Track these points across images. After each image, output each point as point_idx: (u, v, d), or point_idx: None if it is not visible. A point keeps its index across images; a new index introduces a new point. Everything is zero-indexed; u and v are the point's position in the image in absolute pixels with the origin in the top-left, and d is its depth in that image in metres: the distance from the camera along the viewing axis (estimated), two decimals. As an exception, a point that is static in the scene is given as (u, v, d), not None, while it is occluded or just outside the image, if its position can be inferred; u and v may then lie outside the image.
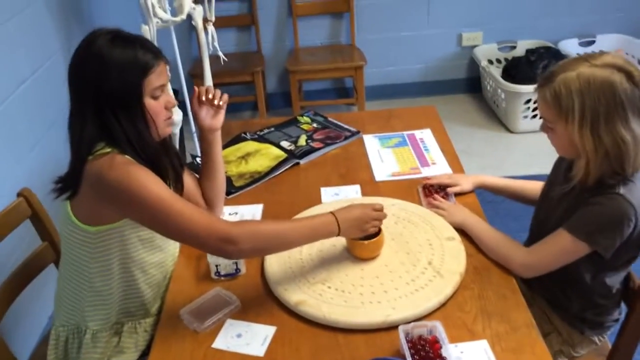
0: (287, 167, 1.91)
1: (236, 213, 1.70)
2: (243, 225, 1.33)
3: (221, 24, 3.31)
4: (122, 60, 1.28)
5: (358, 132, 2.09)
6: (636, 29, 3.91)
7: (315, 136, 2.08)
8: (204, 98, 1.55)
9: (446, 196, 1.67)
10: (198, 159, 1.92)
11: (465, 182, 1.70)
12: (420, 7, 3.90)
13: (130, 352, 1.45)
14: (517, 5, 3.89)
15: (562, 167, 1.47)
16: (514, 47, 3.99)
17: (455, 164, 1.87)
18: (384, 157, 1.94)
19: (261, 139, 2.09)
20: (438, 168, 1.85)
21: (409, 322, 1.23)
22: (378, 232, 1.43)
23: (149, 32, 2.44)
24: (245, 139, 2.10)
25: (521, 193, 1.70)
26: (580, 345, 1.50)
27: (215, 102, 1.55)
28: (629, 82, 1.24)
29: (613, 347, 1.49)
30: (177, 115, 2.62)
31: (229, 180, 1.83)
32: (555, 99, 1.29)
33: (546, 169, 1.58)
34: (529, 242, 1.49)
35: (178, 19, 2.55)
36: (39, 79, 2.55)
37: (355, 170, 1.88)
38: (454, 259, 1.42)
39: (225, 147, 2.04)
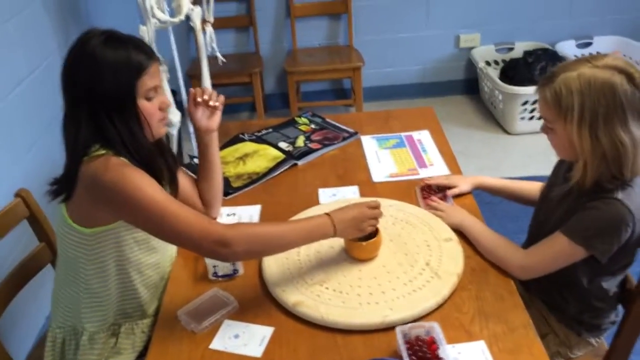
0: (285, 168, 1.91)
1: (234, 214, 1.70)
2: (238, 227, 1.32)
3: (219, 25, 3.31)
4: (115, 61, 1.27)
5: (356, 133, 2.09)
6: (633, 31, 3.92)
7: (313, 137, 2.08)
8: (199, 99, 1.54)
9: (444, 197, 1.67)
10: (196, 160, 1.92)
11: (463, 183, 1.70)
12: (418, 9, 3.90)
13: (128, 353, 1.45)
14: (515, 7, 3.90)
15: (562, 170, 1.47)
16: (511, 49, 4.00)
17: (453, 165, 1.87)
18: (382, 158, 1.94)
19: (259, 140, 2.09)
20: (436, 169, 1.85)
21: (407, 323, 1.23)
22: (376, 233, 1.43)
23: (147, 32, 2.44)
24: (243, 140, 2.10)
25: (519, 194, 1.71)
26: (577, 347, 1.51)
27: (211, 103, 1.55)
28: (630, 84, 1.24)
29: (610, 349, 1.49)
30: (175, 116, 2.62)
31: (226, 181, 1.83)
32: (556, 98, 1.29)
33: (543, 170, 1.58)
34: (528, 243, 1.49)
35: (176, 19, 2.55)
36: (36, 80, 2.55)
37: (353, 171, 1.89)
38: (452, 260, 1.42)
39: (223, 147, 2.04)
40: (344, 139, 2.07)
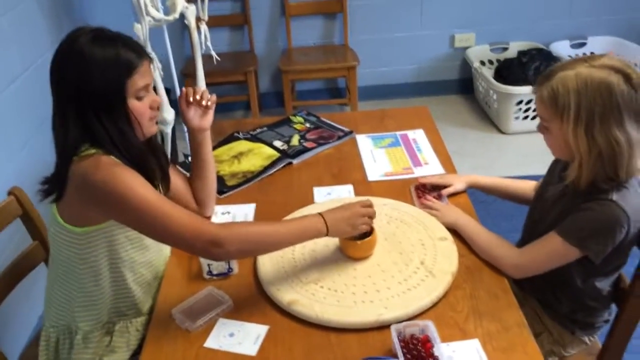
0: (280, 166, 1.91)
1: (228, 212, 1.70)
2: (230, 227, 1.31)
3: (214, 23, 3.31)
4: (104, 60, 1.25)
5: (351, 132, 2.09)
6: (627, 31, 3.94)
7: (308, 136, 2.08)
8: (191, 99, 1.54)
9: (438, 196, 1.67)
10: (190, 158, 1.91)
11: (458, 182, 1.71)
12: (413, 8, 3.91)
13: (122, 352, 1.44)
14: (510, 7, 3.91)
15: (557, 169, 1.47)
16: (506, 49, 4.01)
17: (448, 165, 1.87)
18: (377, 157, 1.94)
19: (254, 139, 2.08)
20: (430, 168, 1.85)
21: (401, 322, 1.23)
22: (371, 232, 1.43)
23: (141, 30, 2.43)
24: (238, 139, 2.10)
25: (513, 192, 1.71)
26: (571, 345, 1.51)
27: (203, 102, 1.54)
28: (627, 84, 1.24)
29: (603, 347, 1.50)
30: (170, 114, 2.62)
31: (221, 179, 1.83)
32: (552, 97, 1.29)
33: (538, 169, 1.59)
34: (522, 242, 1.49)
35: (171, 17, 2.55)
36: (30, 77, 2.54)
37: (348, 170, 1.89)
38: (446, 258, 1.42)
39: (218, 146, 2.04)
40: (339, 137, 2.07)
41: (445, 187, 1.69)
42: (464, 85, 4.16)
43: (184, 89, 1.55)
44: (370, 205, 1.41)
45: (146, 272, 1.46)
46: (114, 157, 1.28)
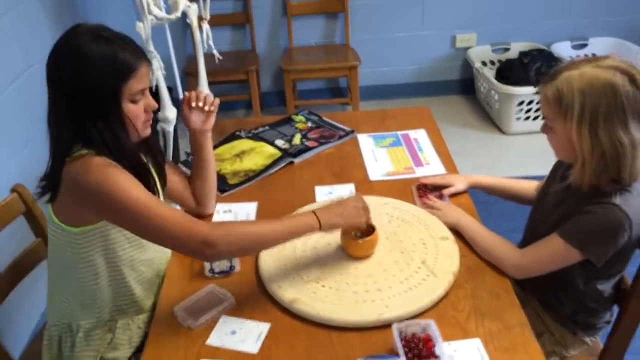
0: (281, 165, 1.91)
1: (230, 211, 1.70)
2: (222, 227, 1.30)
3: (216, 22, 3.31)
4: (101, 58, 1.23)
5: (352, 132, 2.09)
6: (628, 33, 3.94)
7: (310, 135, 2.09)
8: (194, 104, 1.54)
9: (440, 196, 1.67)
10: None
11: (459, 182, 1.71)
12: (414, 8, 3.91)
13: (124, 349, 1.45)
14: (511, 8, 3.91)
15: (560, 170, 1.47)
16: (507, 49, 4.01)
17: (449, 165, 1.88)
18: (378, 157, 1.94)
19: (256, 138, 2.09)
20: (432, 168, 1.85)
21: (403, 321, 1.23)
22: (372, 230, 1.43)
23: (143, 29, 2.43)
24: (240, 137, 2.10)
25: (515, 192, 1.71)
26: (572, 346, 1.51)
27: (206, 108, 1.54)
28: (632, 85, 1.24)
29: (604, 348, 1.50)
30: (172, 113, 2.62)
31: (223, 178, 1.83)
32: (557, 96, 1.29)
33: (539, 170, 1.59)
34: (524, 242, 1.49)
35: (173, 16, 2.55)
36: (33, 75, 2.54)
37: (350, 169, 1.89)
38: (448, 258, 1.43)
39: (219, 145, 2.04)
40: (341, 137, 2.07)
41: (446, 187, 1.70)
42: (465, 85, 4.16)
43: (186, 93, 1.55)
44: (360, 199, 1.42)
45: (147, 270, 1.46)
46: (106, 158, 1.27)
